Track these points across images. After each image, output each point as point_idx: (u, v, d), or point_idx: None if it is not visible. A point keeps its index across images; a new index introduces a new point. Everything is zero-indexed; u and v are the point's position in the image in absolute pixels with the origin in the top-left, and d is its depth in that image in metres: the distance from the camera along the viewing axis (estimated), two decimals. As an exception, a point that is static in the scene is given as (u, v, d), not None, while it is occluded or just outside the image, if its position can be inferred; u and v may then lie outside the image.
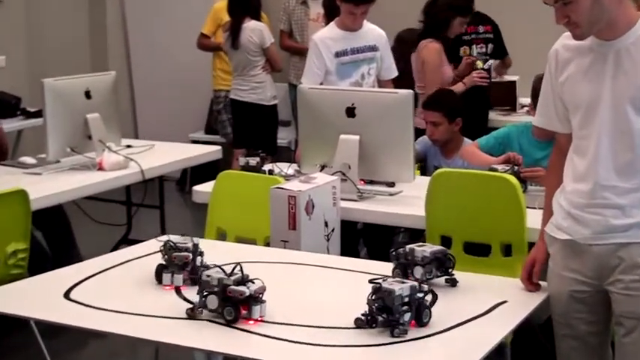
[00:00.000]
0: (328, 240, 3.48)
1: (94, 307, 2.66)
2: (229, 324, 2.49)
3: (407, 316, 2.44)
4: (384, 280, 2.47)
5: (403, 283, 2.46)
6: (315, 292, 2.85)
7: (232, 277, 2.49)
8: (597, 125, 2.58)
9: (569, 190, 2.68)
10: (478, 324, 2.53)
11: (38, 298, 2.80)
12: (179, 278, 2.78)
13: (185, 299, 2.65)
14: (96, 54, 8.30)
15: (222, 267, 2.55)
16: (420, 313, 2.48)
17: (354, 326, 2.47)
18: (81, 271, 3.01)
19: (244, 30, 6.57)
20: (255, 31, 6.56)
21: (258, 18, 6.68)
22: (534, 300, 2.73)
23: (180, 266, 2.80)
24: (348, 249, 3.92)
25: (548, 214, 2.80)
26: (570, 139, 2.72)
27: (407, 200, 3.92)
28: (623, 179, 2.58)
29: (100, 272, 3.00)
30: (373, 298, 2.44)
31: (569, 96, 2.66)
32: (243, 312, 2.50)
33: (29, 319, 2.86)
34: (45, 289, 2.87)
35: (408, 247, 2.82)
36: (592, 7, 2.50)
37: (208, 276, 2.52)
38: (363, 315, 2.47)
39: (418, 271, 2.78)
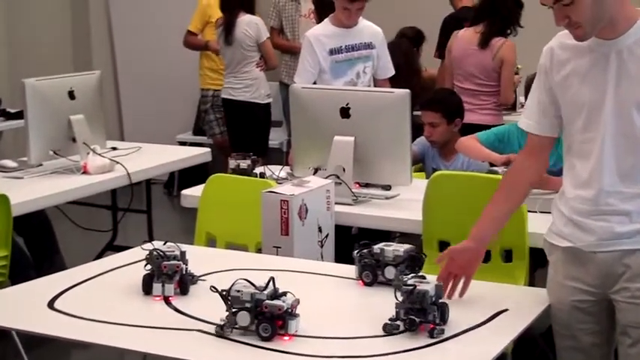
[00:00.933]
0: (322, 246, 3.45)
1: (79, 318, 2.60)
2: (264, 341, 2.39)
3: (438, 316, 2.43)
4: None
5: (427, 283, 2.45)
6: (326, 301, 2.77)
7: (265, 292, 2.39)
8: (601, 128, 2.53)
9: (570, 197, 2.62)
10: (478, 333, 2.48)
11: (20, 307, 2.75)
12: (170, 288, 2.72)
13: (176, 309, 2.63)
14: (79, 53, 8.21)
15: (250, 280, 2.44)
16: (444, 313, 2.47)
17: (382, 333, 2.44)
18: (66, 279, 2.95)
19: (239, 24, 6.49)
20: (250, 24, 6.50)
21: (252, 12, 6.60)
22: (536, 308, 2.68)
23: (170, 276, 2.73)
24: (343, 255, 3.85)
25: (490, 212, 2.75)
26: (544, 143, 2.69)
27: (404, 204, 3.87)
28: (627, 184, 2.53)
29: (86, 281, 2.94)
30: (407, 301, 2.42)
31: (569, 98, 2.59)
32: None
33: (11, 330, 2.77)
34: (27, 299, 2.81)
35: (375, 247, 2.82)
36: (593, 6, 2.44)
37: (238, 291, 2.40)
38: (391, 320, 2.45)
39: (390, 272, 2.79)
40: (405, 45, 6.46)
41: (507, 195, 2.76)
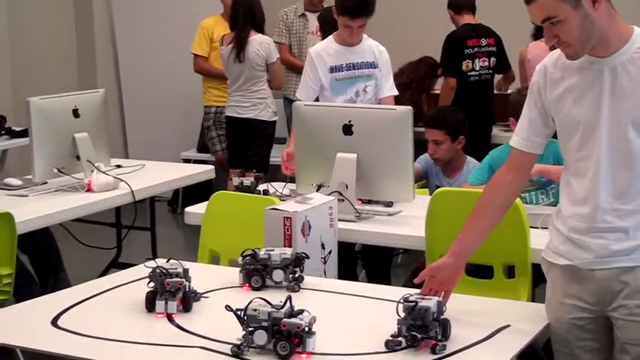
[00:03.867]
0: (325, 262, 3.43)
1: (83, 335, 2.60)
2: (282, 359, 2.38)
3: (439, 332, 2.44)
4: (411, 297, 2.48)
5: (429, 299, 2.46)
6: (328, 317, 2.72)
7: (282, 310, 2.39)
8: (596, 146, 2.52)
9: (567, 215, 2.61)
10: (480, 349, 2.48)
11: (24, 325, 2.75)
12: (173, 305, 2.72)
13: (179, 327, 2.63)
14: (84, 71, 8.23)
15: (266, 299, 2.44)
16: (446, 329, 2.47)
17: (385, 349, 2.45)
18: (69, 296, 2.95)
19: (251, 43, 6.47)
20: (263, 44, 6.49)
21: (262, 31, 6.57)
22: (538, 324, 2.67)
23: (173, 293, 2.73)
24: (346, 271, 3.85)
25: (470, 228, 2.74)
26: (527, 161, 2.71)
27: (406, 220, 3.87)
28: (624, 201, 2.52)
29: (89, 298, 2.94)
30: (409, 317, 2.43)
31: (563, 117, 2.59)
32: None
33: (15, 348, 2.79)
34: (31, 316, 2.81)
35: (262, 252, 2.96)
36: (581, 25, 2.43)
37: (255, 310, 2.40)
38: (392, 336, 2.45)
39: (279, 275, 2.95)
40: (424, 70, 6.69)
41: (487, 211, 2.75)
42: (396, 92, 4.95)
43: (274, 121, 6.73)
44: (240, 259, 3.00)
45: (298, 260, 2.99)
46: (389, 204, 3.98)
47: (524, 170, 2.74)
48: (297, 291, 2.94)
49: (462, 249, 2.75)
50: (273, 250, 2.97)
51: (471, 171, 4.56)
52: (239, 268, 3.02)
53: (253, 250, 2.98)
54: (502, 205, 2.75)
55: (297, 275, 2.99)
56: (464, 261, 2.76)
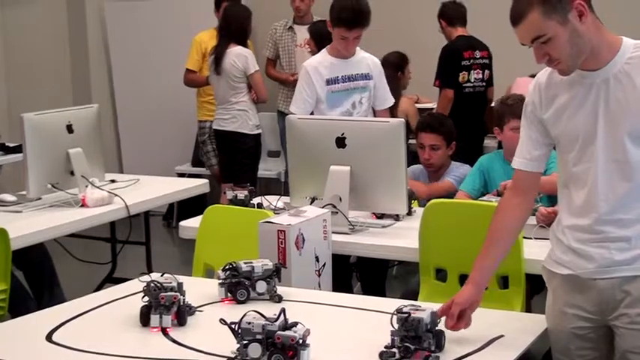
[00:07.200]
0: (319, 275, 3.42)
1: (78, 350, 2.60)
2: None
3: (433, 343, 2.44)
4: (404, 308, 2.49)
5: (423, 310, 2.46)
6: (322, 329, 2.73)
7: (276, 323, 2.39)
8: (594, 158, 2.53)
9: (567, 225, 2.62)
10: (474, 360, 2.48)
11: (19, 340, 2.74)
12: (167, 319, 2.72)
13: (173, 341, 2.64)
14: (78, 86, 8.23)
15: (260, 312, 2.44)
16: (439, 340, 2.47)
17: None
18: (64, 312, 2.95)
19: (228, 55, 6.44)
20: (239, 56, 6.44)
21: (244, 44, 6.55)
22: (532, 334, 2.67)
23: (167, 307, 2.73)
24: (341, 284, 3.84)
25: (487, 257, 2.71)
26: (532, 180, 2.70)
27: (400, 232, 3.88)
28: (625, 211, 2.53)
29: (84, 313, 2.94)
30: (402, 328, 2.43)
31: (561, 132, 2.60)
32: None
33: (10, 363, 2.75)
34: (26, 332, 2.81)
35: (244, 265, 2.95)
36: (570, 40, 2.44)
37: (249, 323, 2.40)
38: (386, 347, 2.45)
39: (262, 286, 2.96)
40: (388, 74, 6.47)
41: (501, 237, 2.73)
42: (391, 102, 4.99)
43: (256, 135, 6.62)
44: (220, 272, 2.99)
45: (277, 270, 3.00)
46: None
47: (531, 191, 2.75)
48: (279, 301, 2.95)
49: (481, 277, 2.72)
50: (250, 262, 2.96)
51: (453, 172, 4.63)
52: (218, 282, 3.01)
53: (231, 264, 2.97)
54: (514, 229, 2.76)
55: (274, 285, 3.01)
56: (484, 287, 2.74)
